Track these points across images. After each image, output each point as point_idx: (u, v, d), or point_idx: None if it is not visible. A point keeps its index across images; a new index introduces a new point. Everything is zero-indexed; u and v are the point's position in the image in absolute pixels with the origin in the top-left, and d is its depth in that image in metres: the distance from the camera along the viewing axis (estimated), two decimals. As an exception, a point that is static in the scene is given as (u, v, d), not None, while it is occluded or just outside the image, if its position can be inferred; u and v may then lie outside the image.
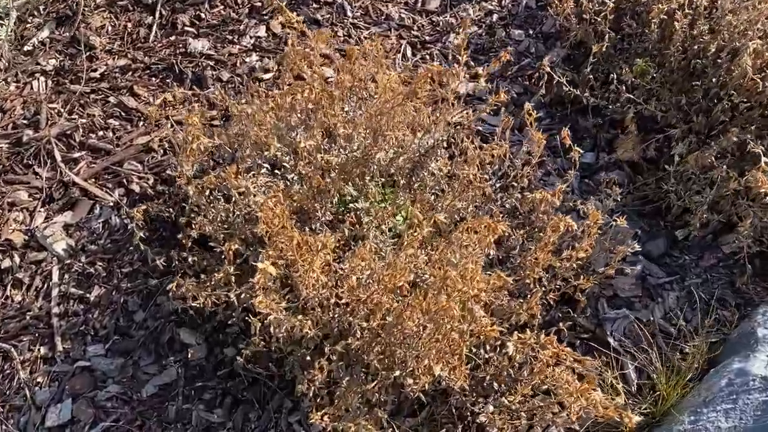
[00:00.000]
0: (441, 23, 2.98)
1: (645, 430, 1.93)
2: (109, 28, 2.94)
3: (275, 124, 1.89)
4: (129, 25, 2.95)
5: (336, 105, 1.93)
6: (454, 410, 1.94)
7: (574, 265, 1.92)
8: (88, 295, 2.25)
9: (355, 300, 1.63)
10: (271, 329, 1.81)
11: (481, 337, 1.69)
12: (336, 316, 1.78)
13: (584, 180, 2.54)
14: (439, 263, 1.55)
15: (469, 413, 1.89)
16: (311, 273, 1.66)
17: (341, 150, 2.06)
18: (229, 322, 2.03)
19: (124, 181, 2.48)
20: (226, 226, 2.01)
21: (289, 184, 2.07)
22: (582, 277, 2.00)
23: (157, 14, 2.97)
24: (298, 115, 1.93)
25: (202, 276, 2.00)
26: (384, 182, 2.20)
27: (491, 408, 1.82)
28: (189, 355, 2.12)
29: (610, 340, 2.13)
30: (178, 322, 2.18)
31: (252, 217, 2.00)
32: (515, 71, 2.85)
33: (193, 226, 1.99)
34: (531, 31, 2.97)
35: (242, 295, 1.84)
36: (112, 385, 2.09)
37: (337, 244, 1.88)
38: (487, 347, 1.92)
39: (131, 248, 2.33)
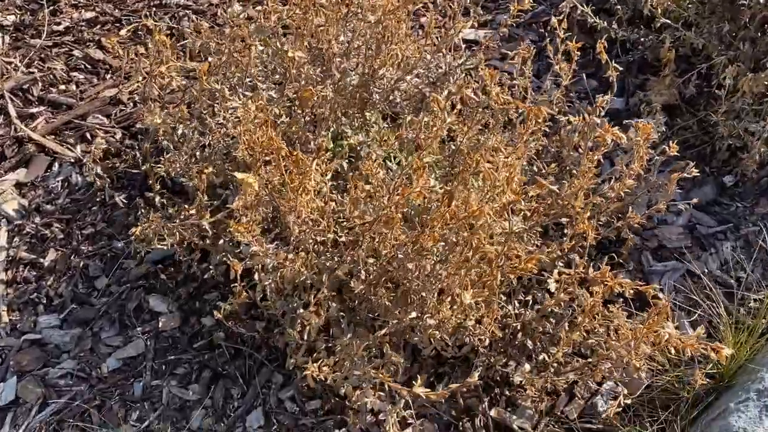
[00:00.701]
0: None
1: (713, 394, 1.59)
2: (76, -18, 2.65)
3: (258, 29, 1.58)
4: (98, -22, 2.65)
5: (331, 16, 1.62)
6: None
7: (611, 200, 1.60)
8: (41, 260, 1.91)
9: (360, 225, 1.30)
10: (256, 276, 1.48)
11: (512, 276, 1.36)
12: (334, 256, 1.45)
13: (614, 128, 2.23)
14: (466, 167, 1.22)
15: (498, 377, 1.55)
16: (304, 196, 1.34)
17: (336, 74, 1.74)
18: (206, 278, 1.69)
19: (88, 135, 2.16)
20: (200, 162, 1.68)
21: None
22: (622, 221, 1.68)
23: (130, -33, 2.68)
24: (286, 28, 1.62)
25: (172, 216, 1.66)
26: (387, 115, 1.88)
27: (527, 367, 1.48)
28: (160, 325, 1.78)
29: (661, 295, 1.79)
30: (148, 287, 1.84)
31: (230, 154, 1.68)
32: (529, 18, 2.56)
33: (162, 164, 1.67)
34: (542, -24, 2.69)
35: (221, 240, 1.50)
36: (67, 361, 1.74)
37: (334, 183, 1.56)
38: (518, 296, 1.59)
39: (94, 208, 2.00)
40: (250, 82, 1.78)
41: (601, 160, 1.52)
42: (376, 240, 1.31)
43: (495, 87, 1.62)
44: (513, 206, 1.14)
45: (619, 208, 1.67)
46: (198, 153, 1.73)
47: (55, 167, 2.10)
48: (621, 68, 2.31)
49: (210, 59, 1.83)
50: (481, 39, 2.48)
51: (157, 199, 1.71)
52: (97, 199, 2.00)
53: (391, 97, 1.79)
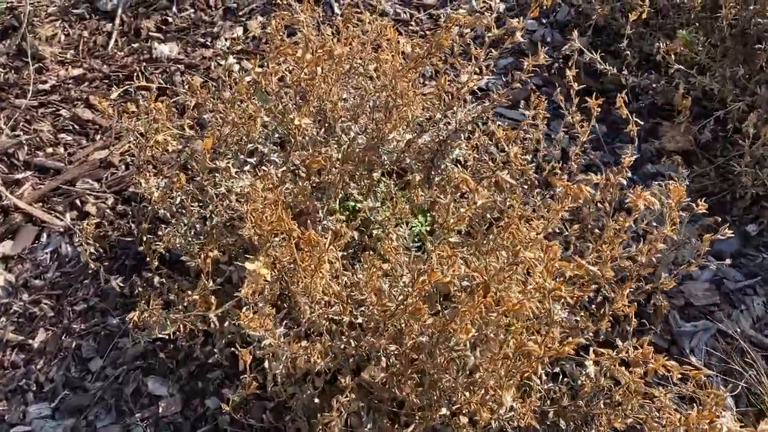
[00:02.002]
0: (442, 17, 2.63)
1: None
2: (62, 38, 2.55)
3: (260, 96, 1.48)
4: (85, 33, 2.56)
5: (333, 77, 1.53)
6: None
7: (642, 265, 1.50)
8: (30, 342, 1.78)
9: (381, 313, 1.19)
10: (266, 364, 1.36)
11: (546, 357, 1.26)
12: (351, 340, 1.34)
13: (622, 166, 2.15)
14: (493, 253, 1.12)
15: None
16: (318, 279, 1.23)
17: (342, 137, 1.65)
18: (210, 361, 1.57)
19: (77, 202, 2.04)
20: (201, 237, 1.57)
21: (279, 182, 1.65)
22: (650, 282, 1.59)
23: (117, 21, 2.59)
24: (289, 89, 1.52)
25: (173, 301, 1.55)
26: (394, 182, 1.79)
27: (564, 453, 1.36)
28: (160, 411, 1.65)
29: (693, 358, 1.70)
30: (146, 369, 1.72)
31: (234, 225, 1.57)
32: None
33: (161, 240, 1.55)
34: (544, 20, 2.63)
35: (225, 326, 1.39)
36: (60, 455, 1.60)
37: (344, 253, 1.46)
38: (545, 372, 1.48)
39: (86, 281, 1.88)
40: (251, 146, 1.69)
41: (632, 225, 1.43)
42: (398, 326, 1.20)
43: (513, 147, 1.53)
44: (557, 293, 1.04)
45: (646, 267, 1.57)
46: (198, 225, 1.62)
47: (44, 238, 1.98)
48: (631, 113, 2.25)
49: (208, 127, 1.74)
50: (483, 85, 2.41)
51: (156, 279, 1.59)
52: (89, 272, 1.88)
53: (400, 158, 1.70)
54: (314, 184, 1.53)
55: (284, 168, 1.59)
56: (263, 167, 1.47)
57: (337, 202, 1.66)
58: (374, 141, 1.59)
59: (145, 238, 1.65)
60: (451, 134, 1.73)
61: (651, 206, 1.36)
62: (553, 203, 1.11)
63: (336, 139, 1.70)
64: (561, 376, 1.52)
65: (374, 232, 1.59)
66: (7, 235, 1.98)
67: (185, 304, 1.38)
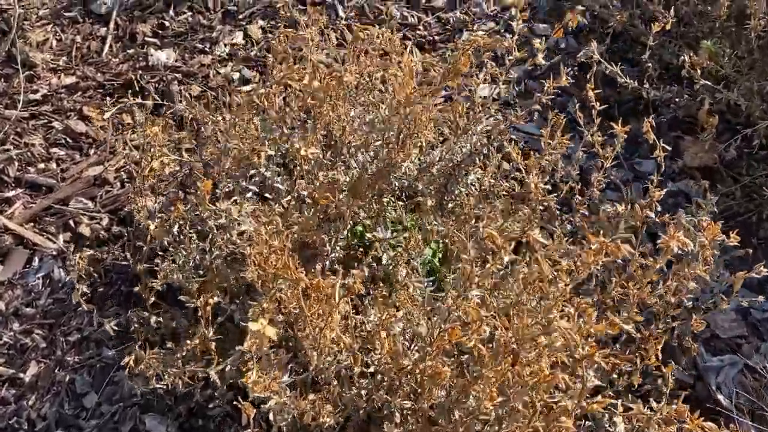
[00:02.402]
0: (451, 20, 2.52)
1: None
2: (54, 43, 2.44)
3: (263, 125, 1.38)
4: (78, 38, 2.45)
5: (341, 100, 1.43)
6: None
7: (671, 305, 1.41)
8: (21, 375, 1.69)
9: (395, 370, 1.10)
10: (271, 416, 1.27)
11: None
12: (362, 391, 1.25)
13: (648, 195, 2.05)
14: (517, 310, 1.02)
15: None
16: (328, 332, 1.14)
17: (350, 161, 1.55)
18: (210, 405, 1.48)
19: (71, 222, 1.95)
20: (201, 272, 1.47)
21: (284, 211, 1.55)
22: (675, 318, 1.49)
23: (112, 25, 2.48)
24: (293, 114, 1.42)
25: (170, 344, 1.45)
26: (404, 204, 1.69)
27: None
28: (158, 451, 1.57)
29: (720, 396, 1.61)
30: (144, 405, 1.63)
31: (236, 259, 1.48)
32: (545, 70, 2.38)
33: (157, 275, 1.46)
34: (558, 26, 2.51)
35: (227, 370, 1.30)
36: (53, 501, 1.52)
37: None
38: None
39: (79, 309, 1.78)
40: (253, 171, 1.59)
41: (664, 267, 1.33)
42: (414, 385, 1.11)
43: (533, 177, 1.43)
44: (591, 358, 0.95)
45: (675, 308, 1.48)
46: (198, 255, 1.52)
47: (35, 261, 1.88)
48: (650, 127, 2.15)
49: (207, 144, 1.64)
50: (495, 95, 2.30)
51: (153, 319, 1.50)
52: (75, 299, 1.79)
53: (412, 185, 1.60)
54: (321, 215, 1.43)
55: (289, 198, 1.49)
56: (268, 199, 1.38)
57: (346, 231, 1.56)
58: (385, 168, 1.49)
59: (141, 275, 1.56)
60: (466, 158, 1.63)
61: (685, 248, 1.26)
62: (584, 255, 1.01)
63: (344, 162, 1.61)
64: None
65: (384, 259, 1.50)
66: (-3, 258, 1.89)
67: (183, 352, 1.29)
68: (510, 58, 1.49)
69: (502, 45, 1.48)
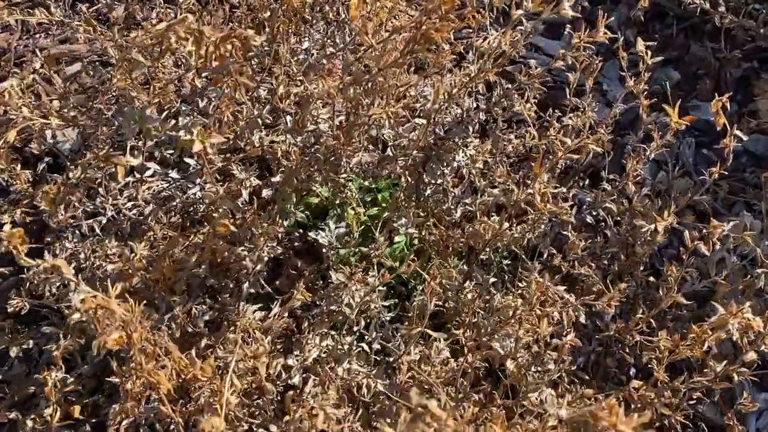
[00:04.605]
0: None
1: None
2: None
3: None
4: None
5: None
6: None
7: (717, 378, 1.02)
8: None
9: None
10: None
11: None
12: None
13: (700, 150, 1.58)
14: None
15: None
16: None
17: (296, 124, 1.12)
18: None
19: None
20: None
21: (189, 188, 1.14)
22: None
23: None
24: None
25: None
26: (364, 185, 1.27)
27: None
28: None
29: (760, 448, 1.26)
30: None
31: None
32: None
33: None
34: None
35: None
36: None
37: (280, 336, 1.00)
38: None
39: None
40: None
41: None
42: None
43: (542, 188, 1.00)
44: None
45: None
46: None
47: None
48: (714, 59, 1.64)
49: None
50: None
51: None
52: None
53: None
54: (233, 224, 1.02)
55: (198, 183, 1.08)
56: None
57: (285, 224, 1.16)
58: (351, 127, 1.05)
59: None
60: (455, 125, 1.18)
61: (753, 330, 0.85)
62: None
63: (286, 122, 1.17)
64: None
65: (334, 278, 1.10)
66: None
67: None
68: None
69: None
